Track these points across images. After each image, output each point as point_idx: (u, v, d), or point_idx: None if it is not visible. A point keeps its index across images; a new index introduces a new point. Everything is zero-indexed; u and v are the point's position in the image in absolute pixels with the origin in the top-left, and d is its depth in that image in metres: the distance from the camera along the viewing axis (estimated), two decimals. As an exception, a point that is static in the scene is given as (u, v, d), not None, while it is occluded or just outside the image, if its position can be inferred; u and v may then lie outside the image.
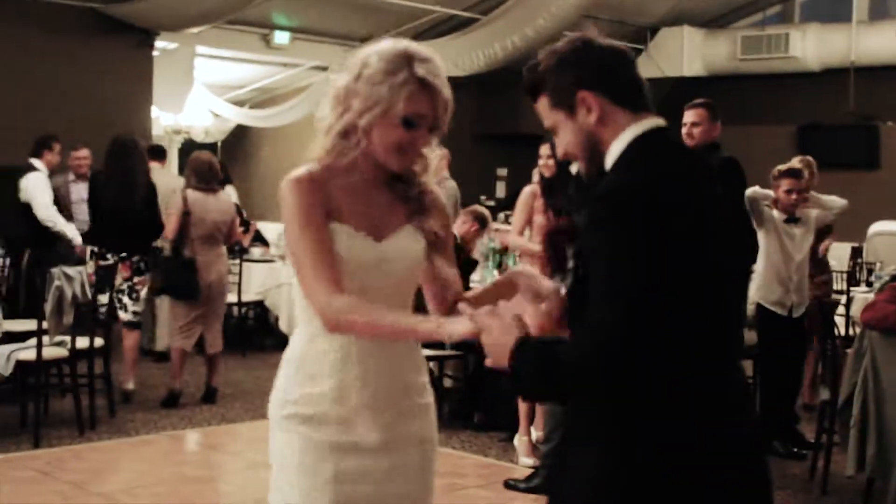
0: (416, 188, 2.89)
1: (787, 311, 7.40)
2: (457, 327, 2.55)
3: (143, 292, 8.78)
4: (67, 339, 7.34)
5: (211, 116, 16.80)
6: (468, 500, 6.29)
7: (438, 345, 7.68)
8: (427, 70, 2.72)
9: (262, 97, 17.73)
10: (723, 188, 2.56)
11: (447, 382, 8.54)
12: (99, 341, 7.69)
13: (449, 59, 15.33)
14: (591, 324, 2.33)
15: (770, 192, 7.39)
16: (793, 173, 7.40)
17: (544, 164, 6.67)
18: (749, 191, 7.26)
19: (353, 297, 2.69)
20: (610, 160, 2.52)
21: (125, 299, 8.51)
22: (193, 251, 8.36)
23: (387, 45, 2.78)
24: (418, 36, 15.75)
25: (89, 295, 7.49)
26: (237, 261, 10.85)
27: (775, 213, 7.39)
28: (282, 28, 15.05)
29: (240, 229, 11.63)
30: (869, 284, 9.72)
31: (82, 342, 7.41)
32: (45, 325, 7.14)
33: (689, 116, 6.82)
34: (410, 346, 2.92)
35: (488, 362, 2.51)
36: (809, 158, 8.22)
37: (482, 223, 8.07)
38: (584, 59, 2.55)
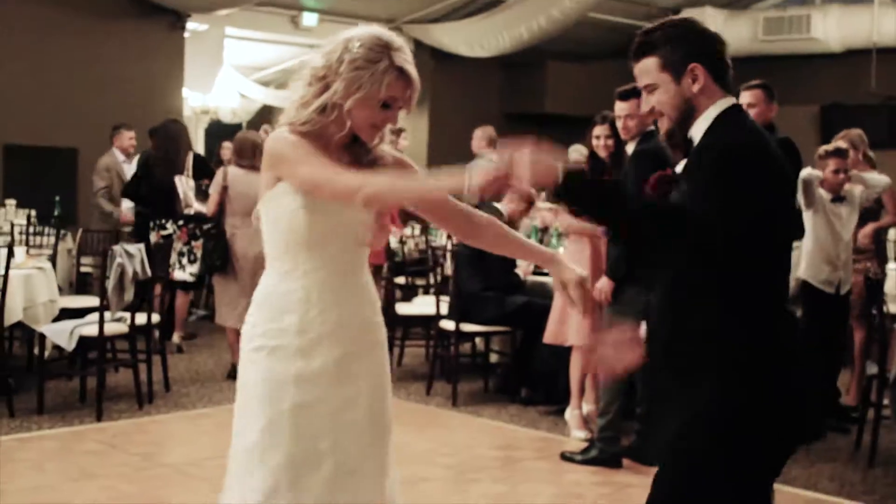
0: (371, 154, 3.23)
1: (835, 289, 7.59)
2: (478, 172, 2.84)
3: (200, 254, 9.03)
4: (127, 315, 7.53)
5: (238, 97, 16.96)
6: (527, 472, 6.47)
7: (487, 320, 7.94)
8: (404, 59, 3.10)
9: (288, 78, 17.87)
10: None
11: (493, 357, 8.73)
12: (156, 317, 7.89)
13: (474, 41, 15.55)
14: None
15: (820, 173, 7.55)
16: (839, 153, 7.56)
17: (602, 144, 6.82)
18: (804, 172, 7.39)
19: (361, 175, 3.03)
20: (703, 125, 3.01)
21: (184, 261, 8.93)
22: (234, 226, 8.60)
23: (365, 31, 3.12)
24: (443, 17, 15.93)
25: (149, 272, 7.67)
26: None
27: (822, 192, 7.56)
28: (310, 10, 15.21)
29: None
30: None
31: (141, 318, 7.61)
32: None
33: (745, 97, 6.87)
34: (365, 286, 3.27)
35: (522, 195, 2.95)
36: (858, 132, 8.34)
37: (530, 202, 8.26)
38: (700, 37, 3.06)
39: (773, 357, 2.89)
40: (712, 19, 16.42)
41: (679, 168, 3.07)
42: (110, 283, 7.37)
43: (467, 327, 7.99)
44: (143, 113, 12.08)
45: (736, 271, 2.83)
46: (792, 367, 2.92)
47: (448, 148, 12.40)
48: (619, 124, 6.45)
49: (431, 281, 9.35)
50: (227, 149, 12.55)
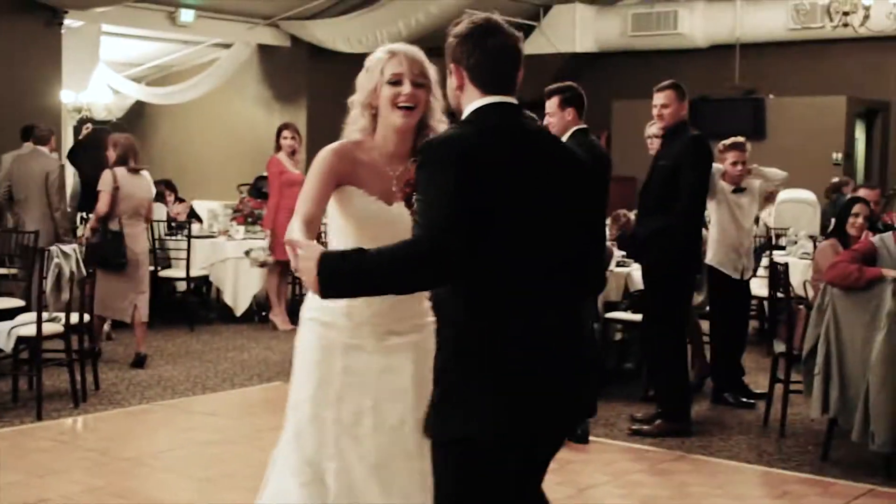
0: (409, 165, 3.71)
1: (740, 274, 8.12)
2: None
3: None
4: (61, 315, 7.60)
5: (111, 94, 16.81)
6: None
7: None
8: (395, 47, 3.69)
9: (159, 74, 17.83)
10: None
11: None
12: (87, 317, 7.97)
13: (352, 37, 15.78)
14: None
15: (721, 166, 8.05)
16: (737, 146, 8.09)
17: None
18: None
19: (298, 225, 3.40)
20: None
21: None
22: (121, 225, 8.96)
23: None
24: (321, 13, 16.10)
25: (84, 271, 7.74)
26: (179, 237, 11.20)
27: (723, 184, 8.06)
28: (187, 6, 15.20)
29: (176, 206, 11.94)
30: (782, 248, 10.52)
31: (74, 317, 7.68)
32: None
33: (658, 99, 7.28)
34: None
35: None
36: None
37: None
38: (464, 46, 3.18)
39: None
40: (582, 15, 17.02)
41: None
42: (48, 284, 7.44)
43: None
44: (19, 112, 11.98)
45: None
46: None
47: (325, 143, 12.58)
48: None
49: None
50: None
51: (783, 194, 11.72)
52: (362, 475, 3.62)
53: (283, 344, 10.12)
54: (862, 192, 8.00)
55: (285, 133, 11.01)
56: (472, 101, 3.17)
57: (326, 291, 2.98)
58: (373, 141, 3.66)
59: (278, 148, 11.00)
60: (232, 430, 7.34)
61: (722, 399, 8.15)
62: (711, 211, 8.08)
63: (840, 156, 15.04)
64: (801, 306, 7.29)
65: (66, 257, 7.57)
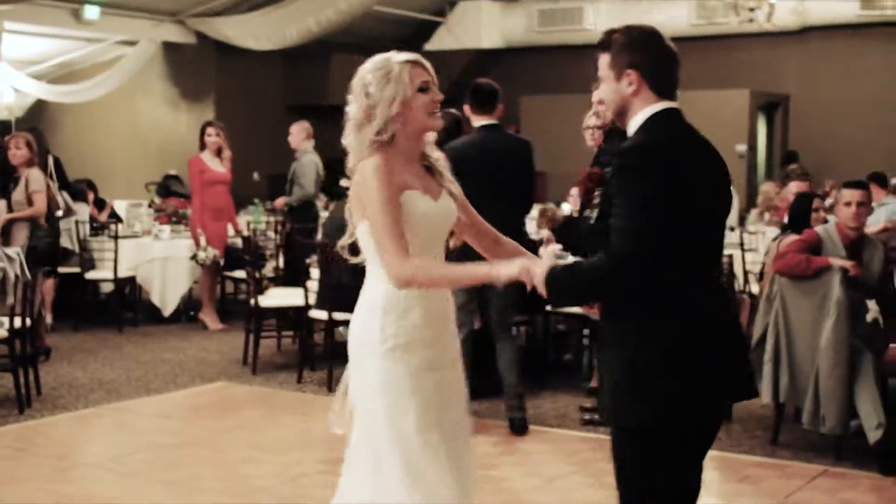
0: (429, 160, 3.77)
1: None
2: (505, 270, 3.38)
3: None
4: (5, 319, 7.47)
5: (12, 92, 16.47)
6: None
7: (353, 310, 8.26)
8: (409, 56, 3.65)
9: (62, 72, 17.47)
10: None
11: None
12: (29, 321, 7.83)
13: (262, 34, 15.69)
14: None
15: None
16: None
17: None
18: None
19: (418, 260, 3.50)
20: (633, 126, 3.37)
21: None
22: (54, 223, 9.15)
23: (366, 65, 3.67)
24: (228, 10, 15.97)
25: (28, 275, 7.61)
26: (103, 237, 11.07)
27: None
28: (92, 3, 14.94)
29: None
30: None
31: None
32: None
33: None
34: None
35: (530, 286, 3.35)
36: None
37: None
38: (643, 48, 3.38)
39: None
40: (488, 11, 17.17)
41: None
42: (-7, 289, 7.32)
43: (340, 316, 8.28)
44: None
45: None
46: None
47: (233, 141, 12.53)
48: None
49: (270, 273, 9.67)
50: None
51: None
52: (473, 479, 3.74)
53: (217, 344, 10.08)
54: (795, 186, 8.24)
55: (210, 130, 10.91)
56: (648, 106, 3.34)
57: (557, 302, 3.45)
58: (393, 146, 3.63)
59: (203, 146, 10.88)
60: (188, 433, 7.30)
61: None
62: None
63: (744, 148, 15.44)
64: (745, 296, 7.52)
65: (11, 261, 7.44)
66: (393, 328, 3.58)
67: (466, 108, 7.20)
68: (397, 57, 3.64)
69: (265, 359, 9.29)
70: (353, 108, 3.65)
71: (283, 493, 5.95)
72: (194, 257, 10.42)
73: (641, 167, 3.20)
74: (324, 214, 11.65)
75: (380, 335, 3.59)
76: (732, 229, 10.72)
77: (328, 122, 17.63)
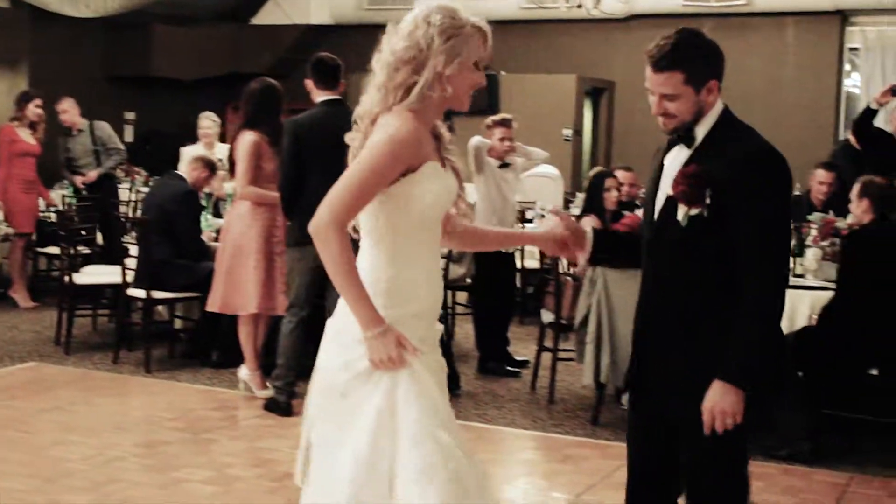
0: (440, 131, 3.35)
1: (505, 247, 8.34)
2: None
3: None
4: None
5: None
6: (257, 429, 6.74)
7: (178, 287, 8.03)
8: (477, 20, 3.22)
9: None
10: None
11: (178, 323, 8.77)
12: None
13: (79, 0, 15.11)
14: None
15: (487, 141, 8.22)
16: (505, 122, 8.30)
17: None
18: (474, 139, 8.07)
19: (345, 237, 3.09)
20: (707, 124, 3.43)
21: None
22: None
23: (434, 4, 3.18)
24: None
25: None
26: None
27: (490, 159, 8.24)
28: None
29: None
30: (529, 221, 10.83)
31: None
32: None
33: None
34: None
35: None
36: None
37: (212, 169, 8.45)
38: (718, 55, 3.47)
39: None
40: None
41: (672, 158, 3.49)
42: None
43: (158, 294, 8.04)
44: None
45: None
46: None
47: (48, 112, 12.09)
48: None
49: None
50: None
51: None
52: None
53: (28, 322, 9.68)
54: (619, 174, 8.35)
55: (38, 101, 10.56)
56: (716, 109, 3.43)
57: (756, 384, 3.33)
58: (424, 111, 3.20)
59: (21, 117, 10.46)
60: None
61: (487, 368, 8.38)
62: (478, 184, 8.24)
63: (570, 132, 15.59)
64: (569, 278, 7.56)
65: None
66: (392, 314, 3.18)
67: (308, 83, 6.96)
68: (470, 18, 3.19)
69: (80, 338, 8.96)
70: (397, 46, 3.15)
71: (95, 476, 5.70)
72: None
73: (781, 175, 3.36)
74: (144, 190, 11.33)
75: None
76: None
77: (150, 92, 17.26)
